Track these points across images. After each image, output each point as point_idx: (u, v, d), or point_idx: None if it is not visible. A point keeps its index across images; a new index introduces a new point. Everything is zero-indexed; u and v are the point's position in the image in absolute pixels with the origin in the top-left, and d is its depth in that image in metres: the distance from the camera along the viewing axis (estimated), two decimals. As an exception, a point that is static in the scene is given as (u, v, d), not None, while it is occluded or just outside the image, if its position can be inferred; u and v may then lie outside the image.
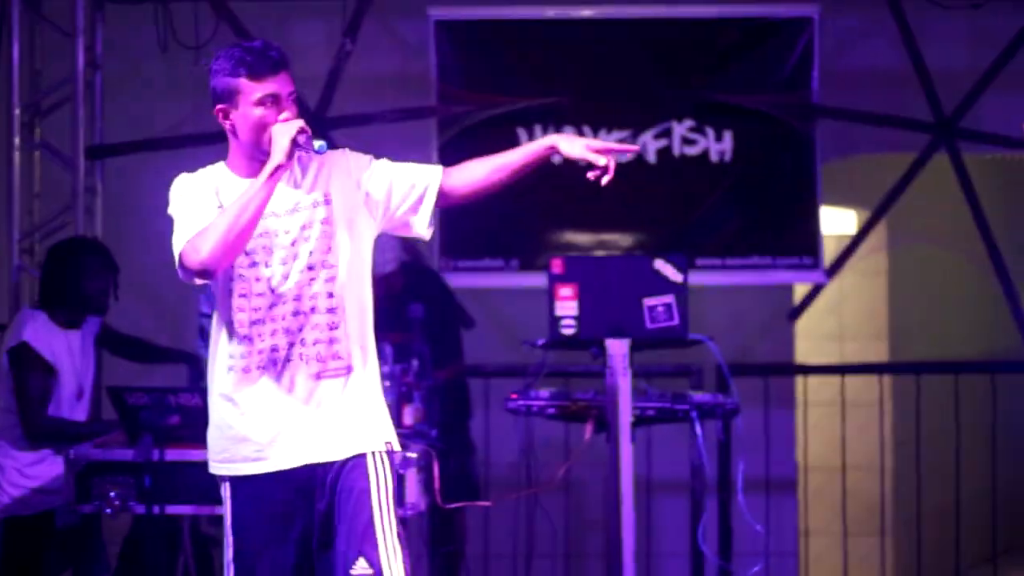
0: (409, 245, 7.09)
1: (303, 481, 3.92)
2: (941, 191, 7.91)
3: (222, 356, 4.00)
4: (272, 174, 3.79)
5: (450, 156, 7.16)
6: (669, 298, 5.40)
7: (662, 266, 5.39)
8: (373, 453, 3.93)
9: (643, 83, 7.35)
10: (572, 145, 4.16)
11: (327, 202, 3.95)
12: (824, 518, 8.41)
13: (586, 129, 7.27)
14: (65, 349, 5.95)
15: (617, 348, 5.39)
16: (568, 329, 5.42)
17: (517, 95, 7.28)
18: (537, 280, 7.04)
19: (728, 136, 7.34)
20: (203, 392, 5.45)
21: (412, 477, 5.33)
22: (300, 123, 3.85)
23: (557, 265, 5.46)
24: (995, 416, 7.56)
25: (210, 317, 6.15)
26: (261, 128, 3.86)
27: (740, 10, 7.41)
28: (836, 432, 8.02)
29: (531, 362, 5.84)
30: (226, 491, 4.02)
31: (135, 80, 7.50)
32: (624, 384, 5.38)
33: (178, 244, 3.87)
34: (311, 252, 3.93)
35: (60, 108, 7.15)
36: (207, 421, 5.08)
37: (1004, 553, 8.70)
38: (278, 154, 3.80)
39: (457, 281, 7.24)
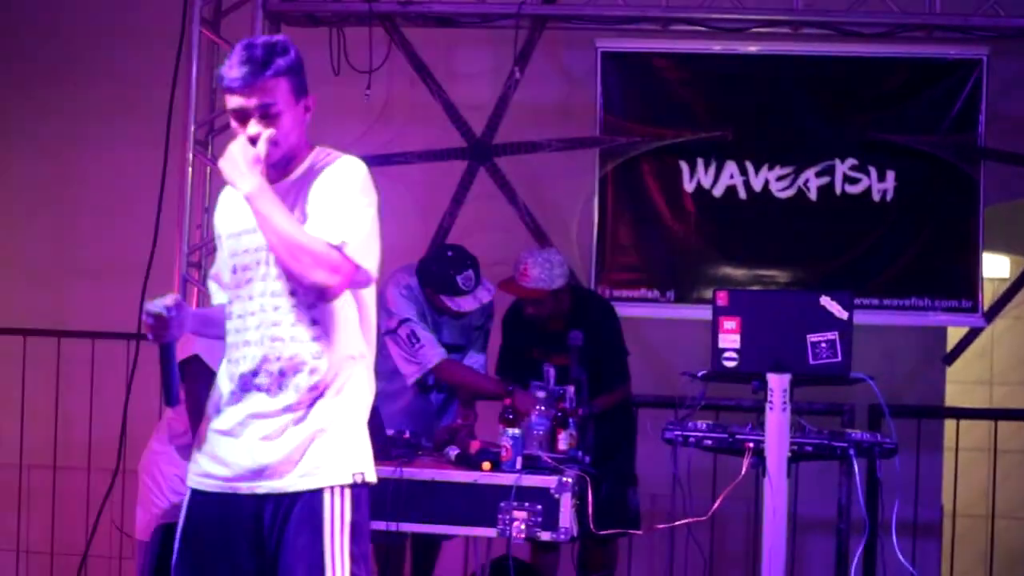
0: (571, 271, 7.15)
1: (257, 509, 3.81)
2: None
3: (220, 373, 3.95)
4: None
5: (612, 186, 7.28)
6: (833, 335, 5.39)
7: (828, 303, 5.38)
8: (332, 488, 3.78)
9: (807, 120, 7.33)
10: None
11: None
12: (969, 565, 8.33)
13: (748, 164, 7.28)
14: None
15: (778, 383, 5.38)
16: (730, 362, 5.43)
17: (680, 128, 7.29)
18: (692, 312, 7.12)
19: (891, 176, 7.29)
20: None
21: (566, 502, 5.40)
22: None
23: (722, 298, 5.45)
24: None
25: (414, 321, 6.32)
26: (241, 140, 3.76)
27: (908, 50, 7.36)
28: (984, 479, 7.95)
29: (680, 394, 5.83)
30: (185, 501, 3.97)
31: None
32: (783, 419, 5.38)
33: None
34: (277, 274, 3.80)
35: (233, 127, 7.30)
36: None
37: None
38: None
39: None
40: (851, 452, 5.52)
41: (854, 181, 7.30)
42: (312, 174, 3.84)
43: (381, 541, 6.27)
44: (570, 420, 5.81)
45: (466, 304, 6.29)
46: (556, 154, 7.38)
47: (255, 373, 3.80)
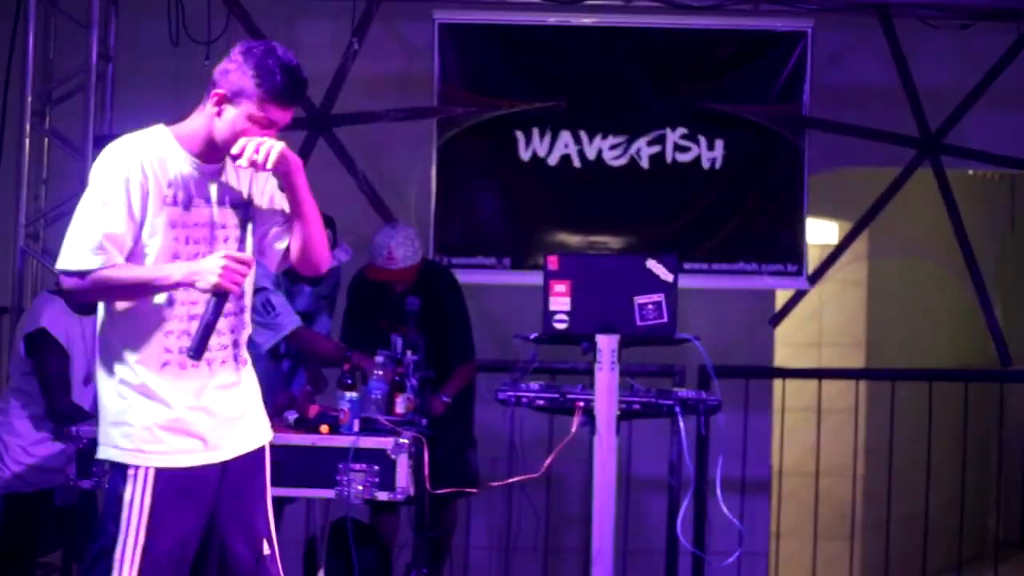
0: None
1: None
2: (921, 204, 8.08)
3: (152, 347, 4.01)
4: (176, 284, 3.88)
5: (448, 155, 7.39)
6: (659, 297, 5.54)
7: (654, 266, 5.52)
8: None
9: (639, 91, 7.48)
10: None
11: (247, 205, 4.10)
12: (796, 520, 8.57)
13: (582, 134, 7.44)
14: (79, 334, 6.11)
15: (607, 343, 5.54)
16: (561, 324, 5.55)
17: (516, 98, 7.40)
18: (528, 278, 7.22)
19: (720, 144, 7.48)
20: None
21: (402, 462, 5.51)
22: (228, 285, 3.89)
23: (552, 262, 5.56)
24: (966, 425, 7.75)
25: (270, 290, 6.37)
26: (238, 136, 3.91)
27: (736, 23, 7.54)
28: (811, 437, 8.18)
29: (519, 358, 5.94)
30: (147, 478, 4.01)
31: (145, 72, 7.61)
32: (612, 378, 5.54)
33: (65, 244, 3.88)
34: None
35: (71, 98, 7.29)
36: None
37: (970, 560, 8.88)
38: (201, 281, 3.87)
39: (452, 277, 7.41)
40: (677, 409, 5.69)
41: (684, 150, 7.48)
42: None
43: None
44: (407, 383, 5.93)
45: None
46: (395, 124, 7.44)
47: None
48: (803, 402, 8.48)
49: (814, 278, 7.69)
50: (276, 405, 6.14)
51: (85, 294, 3.95)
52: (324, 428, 5.57)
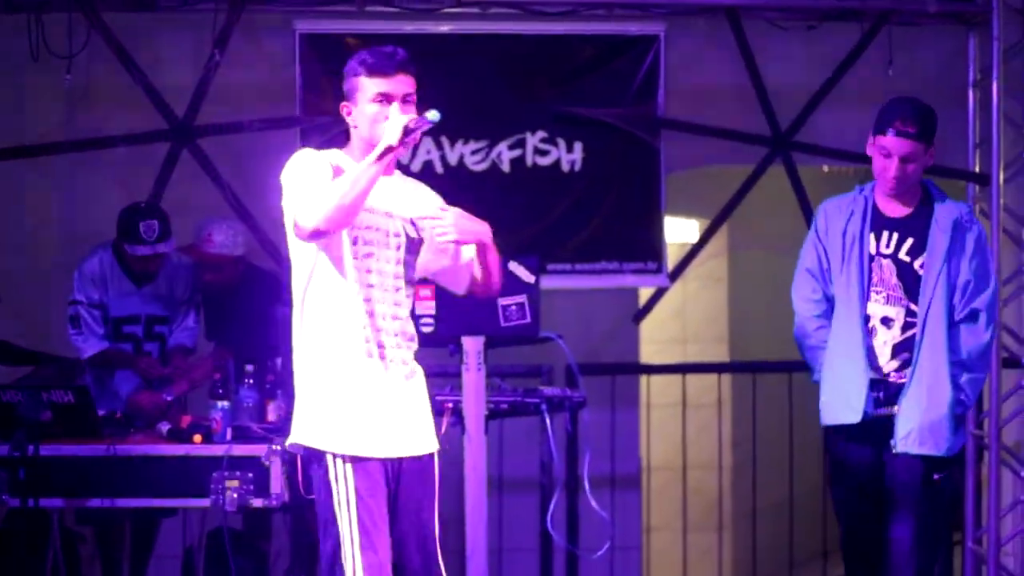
0: (268, 247, 7.29)
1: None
2: (777, 201, 8.26)
3: (341, 342, 4.25)
4: (382, 154, 4.09)
5: (313, 163, 7.42)
6: (522, 298, 5.66)
7: (515, 268, 5.64)
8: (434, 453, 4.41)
9: (498, 96, 7.58)
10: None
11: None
12: (666, 514, 8.73)
13: (443, 140, 7.53)
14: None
15: (472, 345, 5.66)
16: (427, 327, 5.65)
17: (379, 106, 7.46)
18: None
19: (578, 147, 7.61)
20: (76, 390, 5.67)
21: (276, 469, 5.57)
22: (412, 115, 4.15)
23: (417, 267, 5.66)
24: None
25: (83, 304, 6.42)
26: (374, 122, 4.22)
27: (591, 28, 7.67)
28: (678, 432, 8.34)
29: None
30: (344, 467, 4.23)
31: (6, 87, 7.56)
32: (478, 379, 5.66)
33: (292, 207, 4.17)
34: (400, 263, 4.33)
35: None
36: (79, 417, 5.37)
37: (836, 549, 9.06)
38: (389, 135, 4.10)
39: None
40: (543, 407, 5.83)
41: (544, 153, 7.60)
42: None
43: (98, 521, 6.40)
44: (279, 391, 5.98)
45: (142, 250, 6.42)
46: (258, 135, 7.44)
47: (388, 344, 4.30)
48: (669, 398, 8.62)
49: (674, 275, 7.84)
50: (146, 416, 6.20)
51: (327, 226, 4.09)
52: (197, 438, 5.62)
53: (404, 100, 4.23)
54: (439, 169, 7.54)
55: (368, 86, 4.24)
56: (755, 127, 7.77)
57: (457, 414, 5.71)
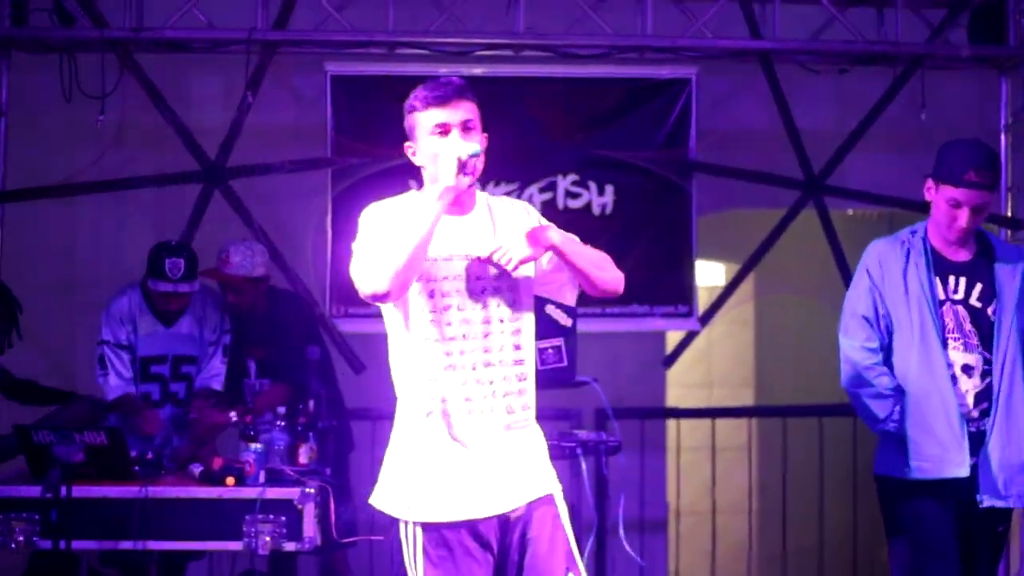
0: (303, 289, 7.29)
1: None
2: (805, 244, 8.23)
3: (415, 401, 4.05)
4: (440, 196, 3.93)
5: (343, 205, 7.43)
6: (559, 341, 5.63)
7: (553, 311, 5.60)
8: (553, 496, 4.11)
9: (530, 138, 7.58)
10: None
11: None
12: (693, 559, 8.67)
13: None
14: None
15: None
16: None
17: (410, 149, 7.46)
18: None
19: (610, 190, 7.61)
20: (109, 431, 5.65)
21: (309, 512, 5.55)
22: (468, 146, 3.97)
23: (450, 310, 5.64)
24: (855, 459, 7.90)
25: (110, 344, 6.43)
26: (434, 157, 4.02)
27: (623, 71, 7.69)
28: (706, 476, 8.29)
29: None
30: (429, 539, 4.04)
31: (39, 127, 7.57)
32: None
33: (355, 274, 3.98)
34: (499, 304, 4.10)
35: (-37, 153, 7.23)
36: (112, 457, 5.32)
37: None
38: (444, 175, 3.95)
39: (348, 326, 7.45)
40: (578, 451, 5.79)
41: (575, 196, 7.60)
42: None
43: (125, 562, 6.36)
44: (310, 434, 5.96)
45: (164, 286, 6.40)
46: (290, 176, 7.48)
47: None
48: (696, 441, 8.59)
49: (705, 319, 7.82)
50: (179, 459, 6.18)
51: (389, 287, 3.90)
52: (230, 480, 5.60)
53: (464, 128, 4.03)
54: (469, 211, 7.51)
55: (424, 120, 4.03)
56: (786, 171, 7.75)
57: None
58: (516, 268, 4.02)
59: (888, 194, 7.90)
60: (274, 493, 5.55)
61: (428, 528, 4.00)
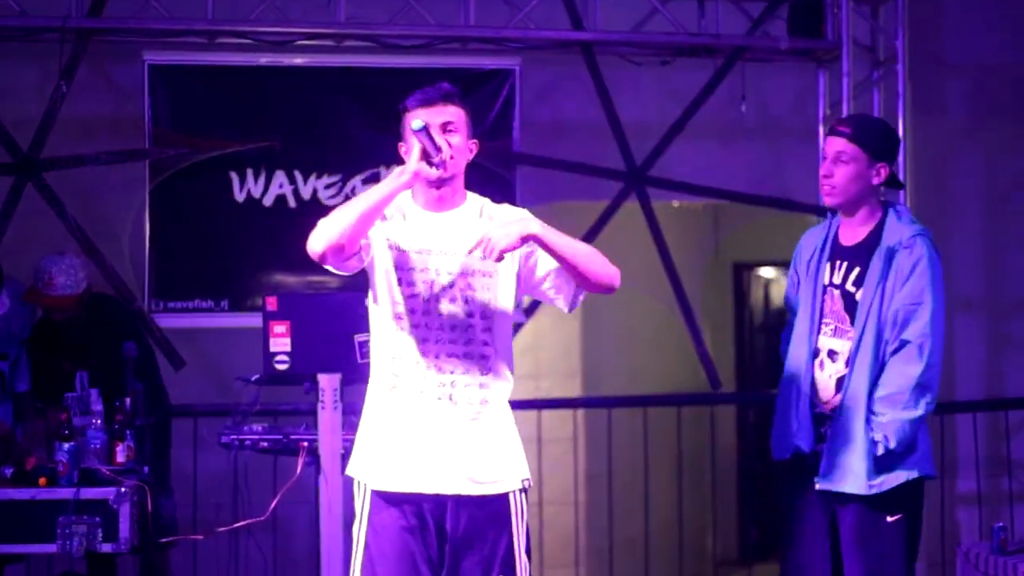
0: (117, 283, 7.14)
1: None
2: (630, 236, 8.28)
3: (382, 377, 4.29)
4: (400, 174, 4.15)
5: (162, 197, 7.32)
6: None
7: (369, 303, 5.57)
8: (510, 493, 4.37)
9: (353, 130, 7.52)
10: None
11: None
12: (522, 550, 8.66)
13: (297, 174, 7.45)
14: None
15: (328, 382, 5.57)
16: (282, 365, 5.56)
17: (230, 139, 7.36)
18: (246, 320, 7.18)
19: (434, 182, 7.57)
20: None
21: (125, 512, 5.45)
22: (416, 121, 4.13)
23: (271, 303, 5.57)
24: (680, 448, 7.98)
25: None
26: (410, 150, 4.21)
27: (446, 61, 7.67)
28: (533, 467, 8.29)
29: (241, 401, 5.94)
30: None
31: None
32: (335, 417, 5.57)
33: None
34: (469, 299, 4.27)
35: None
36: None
37: (691, 582, 9.14)
38: (409, 160, 4.16)
39: (167, 322, 7.31)
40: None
41: (400, 188, 7.55)
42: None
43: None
44: (127, 432, 5.85)
45: None
46: (107, 168, 7.34)
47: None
48: (524, 433, 8.57)
49: (530, 311, 7.82)
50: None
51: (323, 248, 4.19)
52: (43, 480, 5.47)
53: (444, 129, 4.25)
54: (292, 203, 7.45)
55: (406, 121, 4.28)
56: (610, 162, 7.78)
57: (312, 453, 5.60)
58: (500, 258, 4.13)
59: (710, 185, 7.98)
60: (89, 493, 5.46)
61: (375, 496, 4.23)
